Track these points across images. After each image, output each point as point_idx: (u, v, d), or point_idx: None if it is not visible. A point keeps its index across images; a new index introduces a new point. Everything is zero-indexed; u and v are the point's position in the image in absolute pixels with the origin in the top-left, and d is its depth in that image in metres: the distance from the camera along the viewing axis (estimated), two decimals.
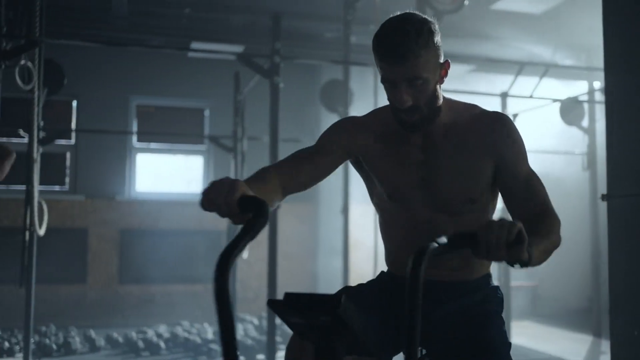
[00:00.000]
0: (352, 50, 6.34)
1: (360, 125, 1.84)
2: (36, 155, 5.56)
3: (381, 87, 1.75)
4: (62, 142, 8.30)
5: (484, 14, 7.06)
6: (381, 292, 1.87)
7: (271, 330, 4.77)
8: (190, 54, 7.85)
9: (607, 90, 3.13)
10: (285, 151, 7.50)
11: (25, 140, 5.93)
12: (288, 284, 8.27)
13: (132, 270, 8.03)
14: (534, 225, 1.54)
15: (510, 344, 1.76)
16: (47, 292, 7.58)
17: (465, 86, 7.35)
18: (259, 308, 7.97)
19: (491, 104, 2.36)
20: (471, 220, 1.76)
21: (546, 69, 6.15)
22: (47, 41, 4.89)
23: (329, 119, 7.70)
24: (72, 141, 8.35)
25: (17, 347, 6.16)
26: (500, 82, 7.67)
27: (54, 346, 6.18)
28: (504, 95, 6.96)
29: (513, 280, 8.21)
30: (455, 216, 1.78)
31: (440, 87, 1.72)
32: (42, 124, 5.98)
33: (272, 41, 4.70)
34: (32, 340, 6.07)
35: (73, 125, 8.35)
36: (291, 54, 5.94)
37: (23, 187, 5.59)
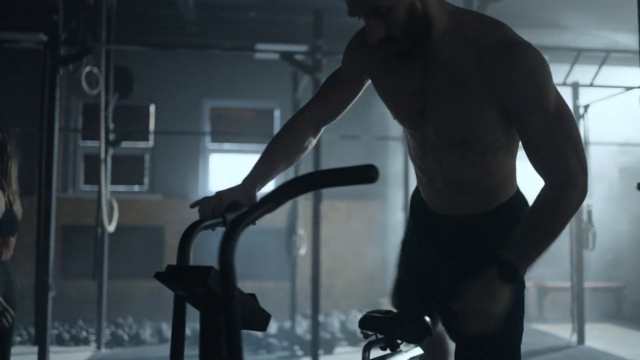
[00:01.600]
0: None
1: (366, 46, 1.65)
2: (104, 156, 5.87)
3: None
4: (141, 144, 8.76)
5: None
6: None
7: (315, 327, 4.81)
8: (258, 56, 8.04)
9: None
10: (342, 146, 7.48)
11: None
12: (359, 280, 8.30)
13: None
14: (533, 226, 1.47)
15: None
16: (127, 287, 8.03)
17: None
18: (326, 305, 8.03)
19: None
20: (471, 163, 1.62)
21: (606, 55, 5.82)
22: (101, 46, 5.17)
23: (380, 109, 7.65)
24: (150, 143, 8.78)
25: (92, 337, 6.55)
26: (582, 72, 7.28)
27: (126, 337, 6.52)
28: (575, 85, 6.65)
29: (590, 281, 7.80)
30: (452, 154, 1.62)
31: (424, 5, 1.48)
32: (112, 126, 6.34)
33: (313, 38, 4.75)
34: (106, 331, 6.47)
35: (151, 127, 8.78)
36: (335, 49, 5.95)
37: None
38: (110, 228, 6.01)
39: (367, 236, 8.50)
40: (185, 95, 8.69)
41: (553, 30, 7.40)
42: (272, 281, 8.15)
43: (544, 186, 1.51)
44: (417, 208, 1.88)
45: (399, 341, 1.72)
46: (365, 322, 1.71)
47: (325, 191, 8.08)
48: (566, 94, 6.50)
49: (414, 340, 1.70)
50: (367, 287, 8.36)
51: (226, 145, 9.01)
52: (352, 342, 6.46)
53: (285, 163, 1.74)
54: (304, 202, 7.15)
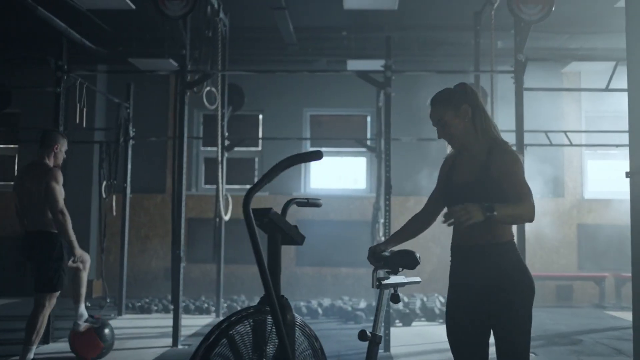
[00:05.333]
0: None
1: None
2: (221, 158, 7.20)
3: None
4: (252, 149, 10.15)
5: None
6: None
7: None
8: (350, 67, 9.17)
9: None
10: (419, 150, 8.45)
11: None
12: (443, 268, 9.14)
13: (307, 254, 9.54)
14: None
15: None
16: (240, 271, 9.42)
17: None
18: (411, 290, 8.98)
19: None
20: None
21: None
22: (222, 72, 6.50)
23: None
24: (259, 148, 10.16)
25: (212, 309, 7.94)
26: None
27: (239, 307, 7.86)
28: None
29: None
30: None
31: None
32: (227, 134, 7.69)
33: (385, 58, 5.79)
34: (224, 304, 7.82)
35: (260, 134, 10.15)
36: (404, 67, 6.95)
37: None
38: (226, 217, 7.35)
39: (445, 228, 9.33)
40: (288, 106, 9.99)
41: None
42: (366, 268, 9.22)
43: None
44: None
45: (400, 268, 2.77)
46: (375, 255, 2.76)
47: (412, 187, 9.06)
48: None
49: (409, 267, 2.73)
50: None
51: (324, 148, 10.21)
52: (430, 318, 7.41)
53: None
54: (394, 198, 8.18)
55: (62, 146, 4.83)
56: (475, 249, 2.63)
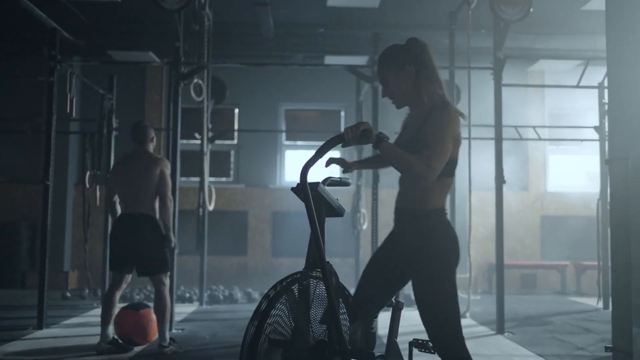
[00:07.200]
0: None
1: None
2: (206, 150, 7.36)
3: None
4: (228, 142, 10.30)
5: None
6: None
7: None
8: (326, 64, 9.43)
9: None
10: None
11: (199, 140, 7.79)
12: None
13: (283, 245, 9.77)
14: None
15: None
16: (217, 262, 9.57)
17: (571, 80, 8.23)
18: None
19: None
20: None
21: None
22: (212, 65, 6.66)
23: None
24: (235, 141, 10.32)
25: (194, 297, 8.09)
26: None
27: (221, 297, 8.04)
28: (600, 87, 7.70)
29: None
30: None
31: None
32: (210, 126, 7.84)
33: (372, 53, 6.08)
34: (205, 293, 7.97)
35: (235, 127, 10.31)
36: None
37: (198, 179, 7.40)
38: (211, 207, 7.51)
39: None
40: (264, 100, 10.18)
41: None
42: (341, 258, 9.50)
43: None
44: None
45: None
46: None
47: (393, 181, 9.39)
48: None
49: None
50: None
51: (299, 142, 10.45)
52: (408, 304, 7.74)
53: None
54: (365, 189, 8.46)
55: (154, 137, 5.16)
56: (407, 212, 2.71)
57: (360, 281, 2.88)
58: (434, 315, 2.59)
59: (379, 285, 2.81)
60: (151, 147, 5.12)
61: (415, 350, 2.71)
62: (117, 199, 5.07)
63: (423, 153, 2.51)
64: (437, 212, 2.65)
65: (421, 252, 2.62)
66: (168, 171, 5.02)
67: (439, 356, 2.63)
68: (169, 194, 4.96)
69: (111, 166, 7.90)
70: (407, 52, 2.72)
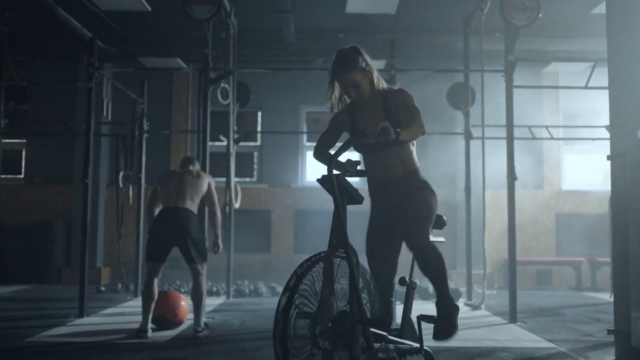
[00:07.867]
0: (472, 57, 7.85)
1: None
2: (232, 151, 7.77)
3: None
4: (251, 144, 10.72)
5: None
6: None
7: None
8: None
9: None
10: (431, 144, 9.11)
11: (224, 142, 8.19)
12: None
13: (305, 242, 10.14)
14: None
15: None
16: (242, 259, 9.97)
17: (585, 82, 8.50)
18: None
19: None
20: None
21: None
22: (238, 70, 7.08)
23: (453, 113, 9.23)
24: (258, 143, 10.74)
25: (221, 291, 8.50)
26: None
27: (247, 291, 8.44)
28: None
29: None
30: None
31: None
32: (235, 128, 8.25)
33: (389, 57, 6.43)
34: (232, 287, 8.37)
35: (258, 129, 10.73)
36: (407, 66, 7.62)
37: (224, 179, 7.76)
38: (237, 205, 7.91)
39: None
40: (286, 103, 10.58)
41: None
42: (362, 255, 9.84)
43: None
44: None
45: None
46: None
47: None
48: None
49: (438, 227, 3.36)
50: None
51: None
52: (424, 297, 8.07)
53: None
54: None
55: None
56: (393, 180, 3.32)
57: (366, 239, 3.49)
58: (415, 219, 3.19)
59: (381, 236, 3.39)
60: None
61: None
62: (157, 206, 5.49)
63: (415, 120, 3.14)
64: (419, 169, 3.39)
65: (418, 191, 3.26)
66: (214, 185, 5.53)
67: (414, 249, 3.19)
68: (218, 203, 5.50)
69: (142, 167, 8.35)
70: (361, 55, 3.28)
